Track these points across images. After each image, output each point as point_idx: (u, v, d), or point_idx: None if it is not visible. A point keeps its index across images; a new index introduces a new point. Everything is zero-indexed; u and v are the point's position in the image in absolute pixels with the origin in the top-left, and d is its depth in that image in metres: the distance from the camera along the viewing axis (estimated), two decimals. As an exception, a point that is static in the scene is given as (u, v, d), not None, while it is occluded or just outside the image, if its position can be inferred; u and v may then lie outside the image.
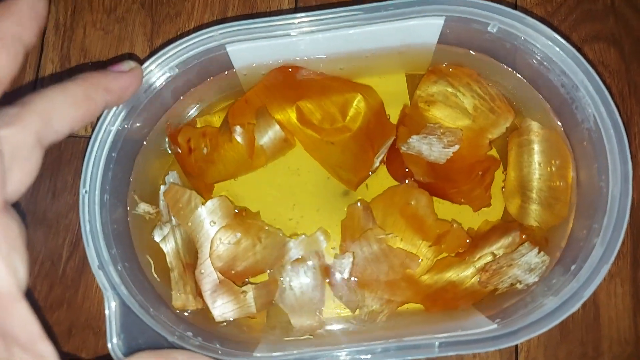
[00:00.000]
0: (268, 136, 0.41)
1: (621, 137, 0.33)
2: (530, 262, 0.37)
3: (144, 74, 0.36)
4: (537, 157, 0.39)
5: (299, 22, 0.36)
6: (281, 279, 0.40)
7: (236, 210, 0.42)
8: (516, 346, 0.42)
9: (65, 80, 0.27)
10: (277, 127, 0.41)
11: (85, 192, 0.35)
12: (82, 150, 0.44)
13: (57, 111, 0.25)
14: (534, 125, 0.39)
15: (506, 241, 0.39)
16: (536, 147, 0.39)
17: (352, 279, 0.40)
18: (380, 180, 0.43)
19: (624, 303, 0.42)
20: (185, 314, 0.39)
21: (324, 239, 0.41)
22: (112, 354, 0.33)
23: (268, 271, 0.41)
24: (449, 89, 0.41)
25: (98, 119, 0.35)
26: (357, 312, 0.40)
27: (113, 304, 0.33)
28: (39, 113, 0.24)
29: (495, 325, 0.34)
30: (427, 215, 0.41)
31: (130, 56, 0.46)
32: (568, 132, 0.38)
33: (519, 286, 0.38)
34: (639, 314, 0.42)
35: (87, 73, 0.28)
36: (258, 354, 0.35)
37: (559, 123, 0.39)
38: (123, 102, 0.32)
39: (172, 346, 0.34)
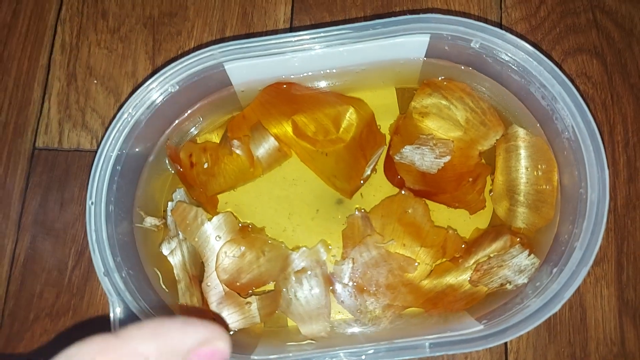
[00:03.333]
0: (263, 148, 0.43)
1: (598, 146, 0.35)
2: (520, 264, 0.39)
3: (146, 92, 0.37)
4: (524, 162, 0.41)
5: (294, 41, 0.38)
6: (285, 290, 0.41)
7: (240, 225, 0.43)
8: (506, 348, 0.43)
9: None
10: (272, 139, 0.42)
11: (92, 203, 0.36)
12: (89, 164, 0.46)
13: None
14: (521, 132, 0.41)
15: (498, 245, 0.40)
16: (523, 153, 0.41)
17: (353, 284, 0.41)
18: (375, 189, 0.44)
19: (609, 305, 0.44)
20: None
21: (324, 251, 0.42)
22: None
23: (272, 283, 0.42)
24: (443, 102, 0.43)
25: (103, 134, 0.37)
26: (360, 316, 0.41)
27: (117, 309, 0.35)
28: None
29: (482, 326, 0.36)
30: (424, 222, 0.42)
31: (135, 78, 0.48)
32: (551, 142, 0.40)
33: (508, 287, 0.39)
34: (624, 315, 0.43)
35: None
36: (255, 357, 0.36)
37: (543, 132, 0.40)
38: None
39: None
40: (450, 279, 0.41)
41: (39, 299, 0.45)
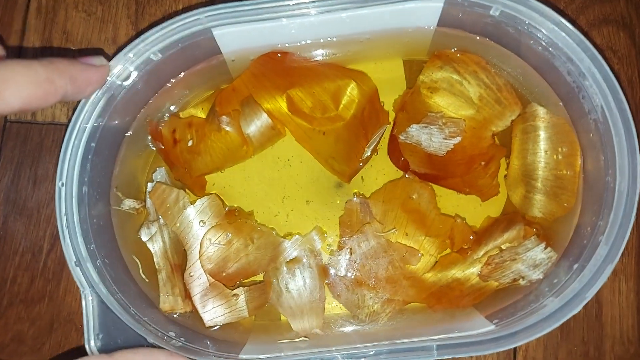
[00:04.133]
0: (255, 125, 0.39)
1: (630, 130, 0.32)
2: (535, 258, 0.36)
3: (124, 60, 0.34)
4: (542, 145, 0.37)
5: (291, 5, 0.34)
6: (276, 281, 0.38)
7: (227, 209, 0.40)
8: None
9: (32, 58, 0.26)
10: (264, 115, 0.39)
11: (62, 184, 0.33)
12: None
13: (14, 84, 0.25)
14: (540, 111, 0.37)
15: (510, 235, 0.37)
16: (542, 134, 0.37)
17: (350, 275, 0.38)
18: (377, 172, 0.41)
19: (627, 301, 0.41)
20: (174, 316, 0.38)
21: (319, 239, 0.39)
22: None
23: (262, 273, 0.39)
24: (455, 76, 0.39)
25: (75, 106, 0.33)
26: (357, 312, 0.38)
27: (91, 303, 0.32)
28: None
29: (493, 327, 0.33)
30: (429, 210, 0.39)
31: (101, 51, 0.45)
32: (574, 122, 0.36)
33: (521, 282, 0.37)
34: (643, 313, 0.41)
35: (55, 58, 0.27)
36: (244, 356, 0.33)
37: (565, 112, 0.37)
38: (82, 97, 0.32)
39: (153, 346, 0.32)
40: (457, 272, 0.38)
41: (12, 284, 0.42)
